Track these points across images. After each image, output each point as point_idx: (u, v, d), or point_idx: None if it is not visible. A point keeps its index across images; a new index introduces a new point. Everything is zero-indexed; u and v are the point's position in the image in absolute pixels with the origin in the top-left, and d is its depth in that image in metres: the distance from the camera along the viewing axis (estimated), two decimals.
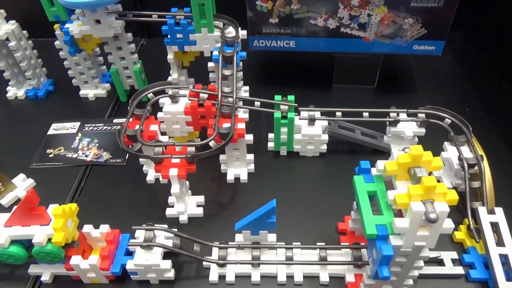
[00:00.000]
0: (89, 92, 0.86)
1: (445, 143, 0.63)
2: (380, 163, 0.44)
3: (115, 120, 0.80)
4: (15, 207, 0.51)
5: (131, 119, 0.62)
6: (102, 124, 0.79)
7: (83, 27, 0.73)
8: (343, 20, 0.74)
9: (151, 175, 0.68)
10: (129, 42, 0.76)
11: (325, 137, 0.68)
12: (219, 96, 0.63)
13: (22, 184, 0.67)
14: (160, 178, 0.67)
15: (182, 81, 0.80)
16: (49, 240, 0.48)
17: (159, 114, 0.65)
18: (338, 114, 0.68)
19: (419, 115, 0.66)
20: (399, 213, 0.42)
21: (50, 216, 0.49)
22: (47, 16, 0.73)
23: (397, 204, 0.39)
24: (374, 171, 0.47)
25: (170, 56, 0.74)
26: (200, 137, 0.72)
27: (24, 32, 0.82)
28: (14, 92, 0.87)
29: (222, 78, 0.65)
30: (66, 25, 0.74)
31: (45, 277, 0.54)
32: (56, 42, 0.78)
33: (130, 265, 0.51)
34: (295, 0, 0.73)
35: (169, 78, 0.80)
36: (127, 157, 0.72)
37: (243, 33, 0.71)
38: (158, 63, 0.88)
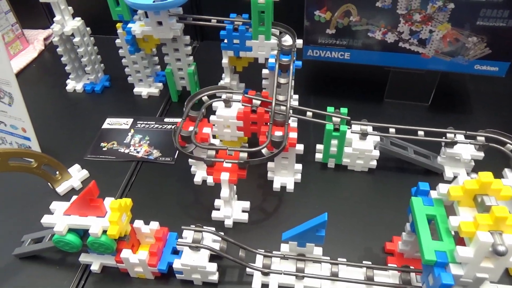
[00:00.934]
0: (143, 90, 0.89)
1: (506, 170, 0.60)
2: (443, 187, 0.43)
3: (166, 119, 0.82)
4: (74, 196, 0.53)
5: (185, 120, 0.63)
6: (154, 123, 0.81)
7: (145, 27, 0.75)
8: (403, 35, 0.73)
9: (198, 176, 0.69)
10: (186, 44, 0.78)
11: (376, 153, 0.67)
12: (273, 104, 0.63)
13: (77, 175, 0.70)
14: (207, 180, 0.68)
15: (233, 86, 0.81)
16: (104, 232, 0.50)
17: (212, 117, 0.66)
18: (392, 130, 0.66)
19: (479, 138, 0.64)
20: (459, 241, 0.41)
21: (107, 209, 0.50)
22: (112, 15, 0.76)
23: (461, 232, 0.37)
24: (433, 193, 0.45)
25: (224, 61, 0.76)
26: (248, 143, 0.73)
27: (88, 29, 0.86)
28: (73, 85, 0.92)
29: (276, 86, 0.65)
30: (129, 25, 0.77)
31: (95, 267, 0.56)
32: (117, 40, 0.81)
33: (177, 264, 0.52)
34: (355, 12, 0.72)
35: (221, 82, 0.81)
36: (176, 156, 0.74)
37: (299, 42, 0.71)
38: (209, 66, 0.89)
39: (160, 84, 0.90)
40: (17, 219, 0.64)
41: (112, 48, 0.90)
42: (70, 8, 0.83)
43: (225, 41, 0.73)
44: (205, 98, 0.67)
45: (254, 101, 0.65)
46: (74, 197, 0.52)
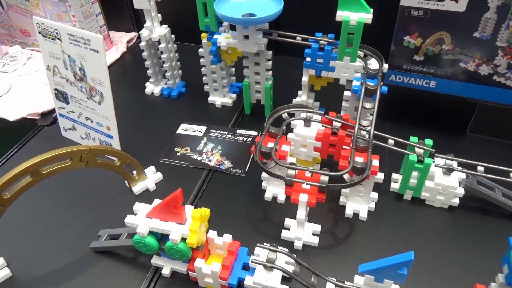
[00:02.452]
0: (217, 99, 0.91)
1: None
2: None
3: (238, 131, 0.82)
4: (156, 200, 0.55)
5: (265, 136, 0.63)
6: (226, 133, 0.82)
7: (230, 40, 0.77)
8: (499, 68, 0.69)
9: (269, 192, 0.69)
10: (267, 59, 0.79)
11: (461, 190, 0.63)
12: (356, 128, 0.61)
13: (152, 177, 0.72)
14: (278, 197, 0.68)
15: (309, 104, 0.80)
16: (183, 239, 0.50)
17: (290, 135, 0.66)
18: (480, 168, 0.62)
19: None
20: None
21: (187, 217, 0.51)
22: (199, 25, 0.79)
23: None
24: None
25: (304, 79, 0.75)
26: (321, 164, 0.72)
27: (173, 36, 0.90)
28: (151, 88, 0.95)
29: (360, 110, 0.64)
30: (215, 36, 0.79)
31: (166, 271, 0.57)
32: (200, 50, 0.83)
33: (248, 281, 0.51)
34: (449, 40, 0.69)
35: (297, 99, 0.81)
36: (247, 169, 0.74)
37: (386, 66, 0.69)
38: (282, 80, 0.90)
39: (234, 95, 0.91)
40: (94, 213, 0.67)
41: (191, 56, 0.94)
42: (159, 15, 0.87)
43: (308, 59, 0.73)
44: (285, 115, 0.67)
45: (334, 123, 0.64)
46: (157, 201, 0.53)
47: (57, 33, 0.69)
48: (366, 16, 0.65)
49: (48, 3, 1.02)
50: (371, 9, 0.66)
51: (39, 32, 0.71)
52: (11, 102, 0.93)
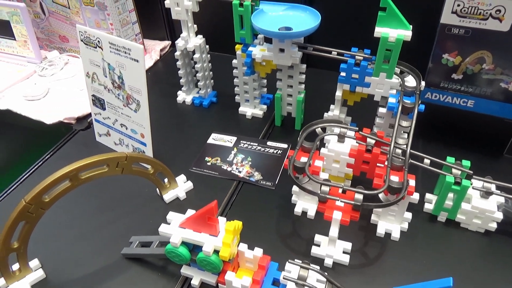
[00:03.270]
0: (248, 110, 0.91)
1: None
2: None
3: (269, 143, 0.82)
4: (189, 210, 0.55)
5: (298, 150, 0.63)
6: (256, 144, 0.82)
7: (265, 52, 0.77)
8: None
9: (299, 207, 0.68)
10: (301, 72, 0.79)
11: (499, 215, 0.61)
12: (391, 147, 0.60)
13: (183, 185, 0.73)
14: (308, 212, 0.67)
15: (341, 119, 0.80)
16: (215, 251, 0.50)
17: (323, 150, 0.65)
18: None
19: None
20: None
21: (220, 229, 0.51)
22: (235, 37, 0.79)
23: None
24: None
25: (338, 93, 0.75)
26: (352, 180, 0.71)
27: (207, 46, 0.91)
28: (183, 97, 0.97)
29: (397, 128, 0.63)
30: (250, 48, 0.79)
31: (195, 281, 0.57)
32: (234, 61, 0.84)
33: None
34: (490, 60, 0.68)
35: (329, 113, 0.80)
36: (276, 182, 0.74)
37: (423, 84, 0.68)
38: (313, 94, 0.89)
39: (265, 107, 0.92)
40: (126, 219, 0.68)
41: (223, 66, 0.95)
42: (195, 26, 0.89)
43: (343, 74, 0.72)
44: (318, 130, 0.66)
45: (368, 139, 0.63)
46: (191, 211, 0.54)
47: (98, 41, 0.71)
48: (406, 33, 0.64)
49: (87, 11, 1.06)
50: (411, 26, 0.65)
51: (81, 40, 0.73)
52: (48, 105, 0.96)
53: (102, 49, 0.71)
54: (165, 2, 0.82)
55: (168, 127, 0.89)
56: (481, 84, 0.70)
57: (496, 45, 0.66)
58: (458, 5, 0.65)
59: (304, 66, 0.78)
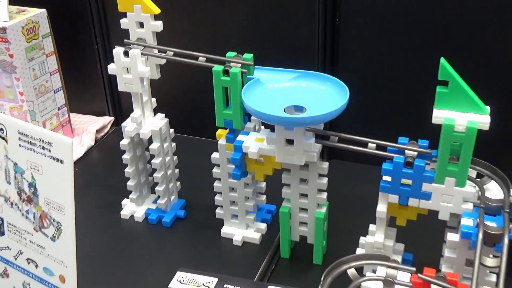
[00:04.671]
0: (236, 232, 0.93)
1: None
2: None
3: None
4: None
5: None
6: None
7: (264, 144, 0.81)
8: None
9: None
10: (321, 175, 0.82)
11: None
12: None
13: None
14: None
15: (387, 248, 0.81)
16: None
17: None
18: None
19: None
20: None
21: None
22: (216, 119, 0.84)
23: None
24: None
25: (382, 209, 0.77)
26: None
27: (171, 131, 0.95)
28: (131, 209, 0.99)
29: (478, 269, 0.64)
30: (240, 137, 0.83)
31: None
32: (214, 155, 0.87)
33: None
34: None
35: (367, 239, 0.81)
36: None
37: None
38: (341, 203, 0.92)
39: (263, 226, 0.94)
40: None
41: (197, 159, 0.98)
42: (153, 100, 0.94)
43: (387, 178, 0.75)
44: (351, 271, 0.67)
45: (433, 287, 0.64)
46: None
47: (1, 129, 0.74)
48: (481, 118, 0.68)
49: None
50: (488, 108, 0.69)
51: None
52: None
53: (6, 141, 0.74)
54: (109, 67, 0.88)
55: (106, 263, 0.89)
56: None
57: None
58: None
59: (326, 165, 0.82)
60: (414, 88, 1.00)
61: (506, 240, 0.65)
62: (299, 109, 0.78)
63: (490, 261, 0.65)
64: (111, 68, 0.88)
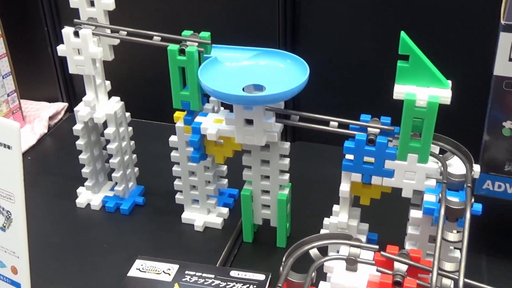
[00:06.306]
0: (197, 217, 0.93)
1: None
2: None
3: (233, 273, 0.83)
4: None
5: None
6: (212, 276, 0.82)
7: (223, 125, 0.81)
8: None
9: None
10: (283, 156, 0.82)
11: None
12: (434, 276, 0.62)
13: None
14: None
15: (351, 228, 0.82)
16: None
17: (323, 286, 0.66)
18: None
19: None
20: None
21: None
22: (173, 101, 0.83)
23: None
24: None
25: (344, 188, 0.78)
26: None
27: (128, 114, 0.95)
28: (87, 197, 0.98)
29: (440, 245, 0.65)
30: (198, 119, 0.83)
31: None
32: (172, 139, 0.87)
33: None
34: None
35: (331, 219, 0.82)
36: None
37: (478, 169, 0.73)
38: (305, 185, 0.93)
39: (226, 210, 0.94)
40: None
41: (155, 144, 0.98)
42: (107, 83, 0.93)
43: (349, 157, 0.76)
44: (314, 251, 0.68)
45: (396, 265, 0.65)
46: None
47: None
48: (442, 93, 0.70)
49: None
50: (450, 82, 0.71)
51: None
52: None
53: None
54: (58, 48, 0.87)
55: (61, 253, 0.89)
56: None
57: None
58: None
59: (288, 145, 0.82)
60: (377, 64, 1.00)
61: (468, 215, 0.67)
62: (259, 88, 0.78)
63: (452, 236, 0.66)
64: (61, 50, 0.87)
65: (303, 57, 0.80)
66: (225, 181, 0.96)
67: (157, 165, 1.00)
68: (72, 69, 0.88)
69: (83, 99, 0.91)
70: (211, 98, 0.87)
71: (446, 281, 0.64)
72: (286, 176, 0.85)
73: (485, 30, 0.84)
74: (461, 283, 0.62)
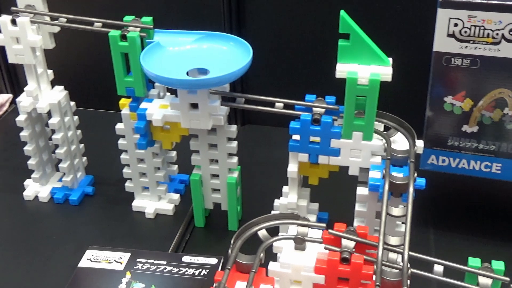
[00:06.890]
0: (148, 204, 0.93)
1: None
2: None
3: (185, 258, 0.83)
4: None
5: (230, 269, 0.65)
6: (165, 263, 0.83)
7: (168, 110, 0.81)
8: None
9: None
10: (230, 139, 0.83)
11: None
12: (380, 251, 0.64)
13: None
14: None
15: (301, 208, 0.83)
16: None
17: (272, 266, 0.67)
18: None
19: None
20: None
21: None
22: (117, 87, 0.83)
23: None
24: None
25: (292, 168, 0.79)
26: None
27: (72, 104, 0.94)
28: (34, 190, 0.97)
29: (385, 220, 0.67)
30: (143, 105, 0.83)
31: None
32: (118, 126, 0.87)
33: None
34: None
35: (281, 200, 0.84)
36: None
37: (420, 145, 0.74)
38: (255, 169, 0.93)
39: (177, 196, 0.94)
40: None
41: (102, 131, 0.97)
42: (50, 72, 0.91)
43: (296, 137, 0.77)
44: (262, 232, 0.69)
45: (344, 242, 0.67)
46: None
47: None
48: (383, 70, 0.71)
49: None
50: (390, 59, 0.72)
51: None
52: None
53: None
54: None
55: (9, 248, 0.88)
56: (507, 137, 0.78)
57: None
58: (456, 25, 0.74)
59: (235, 128, 0.83)
60: (321, 44, 1.01)
61: (411, 189, 0.68)
62: (203, 71, 0.79)
63: (396, 211, 0.68)
64: None
65: (249, 40, 0.80)
66: (175, 167, 0.96)
67: (106, 154, 0.99)
68: (11, 59, 0.87)
69: (25, 89, 0.89)
70: (156, 84, 0.86)
71: (393, 256, 0.66)
72: (235, 159, 0.86)
73: (424, 7, 0.86)
74: (405, 256, 0.63)
